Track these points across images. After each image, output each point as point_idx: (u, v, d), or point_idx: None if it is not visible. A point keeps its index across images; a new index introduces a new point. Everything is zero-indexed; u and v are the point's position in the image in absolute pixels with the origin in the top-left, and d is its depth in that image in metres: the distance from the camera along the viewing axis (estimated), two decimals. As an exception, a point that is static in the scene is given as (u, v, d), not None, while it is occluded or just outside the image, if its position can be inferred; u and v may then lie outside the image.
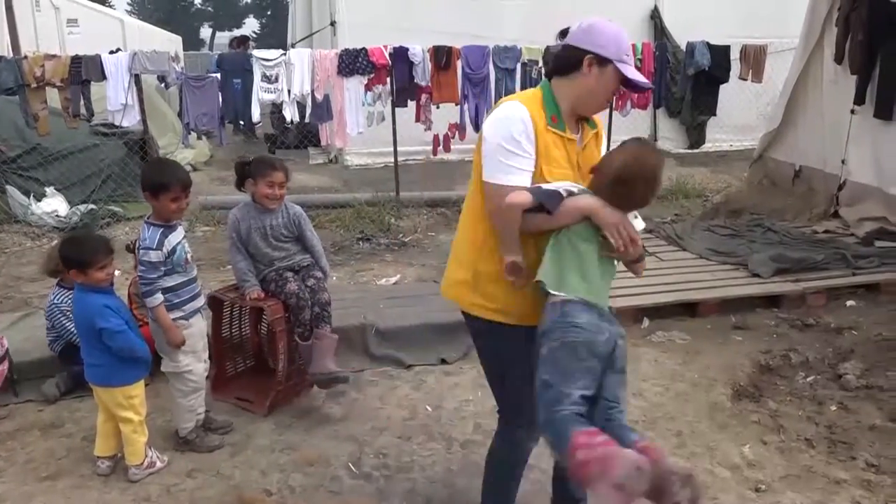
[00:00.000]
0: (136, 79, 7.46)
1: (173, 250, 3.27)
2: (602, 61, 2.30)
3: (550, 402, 2.12)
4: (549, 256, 2.27)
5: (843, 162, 7.08)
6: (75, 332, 3.52)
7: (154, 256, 3.21)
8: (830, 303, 5.27)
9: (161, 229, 3.25)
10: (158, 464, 3.33)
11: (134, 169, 8.21)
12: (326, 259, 4.04)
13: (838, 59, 7.05)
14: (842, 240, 6.36)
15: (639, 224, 2.29)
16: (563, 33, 2.44)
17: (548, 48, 8.26)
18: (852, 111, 6.91)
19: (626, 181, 2.20)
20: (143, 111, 7.64)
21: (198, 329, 3.44)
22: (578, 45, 2.33)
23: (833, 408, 3.84)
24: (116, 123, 7.85)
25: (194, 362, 3.42)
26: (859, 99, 6.82)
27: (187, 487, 3.21)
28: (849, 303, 5.28)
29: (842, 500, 3.06)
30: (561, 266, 2.25)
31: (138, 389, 3.25)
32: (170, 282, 3.29)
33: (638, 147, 2.27)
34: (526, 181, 2.26)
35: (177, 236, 3.31)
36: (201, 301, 3.49)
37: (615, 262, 2.31)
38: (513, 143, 2.26)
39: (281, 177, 3.72)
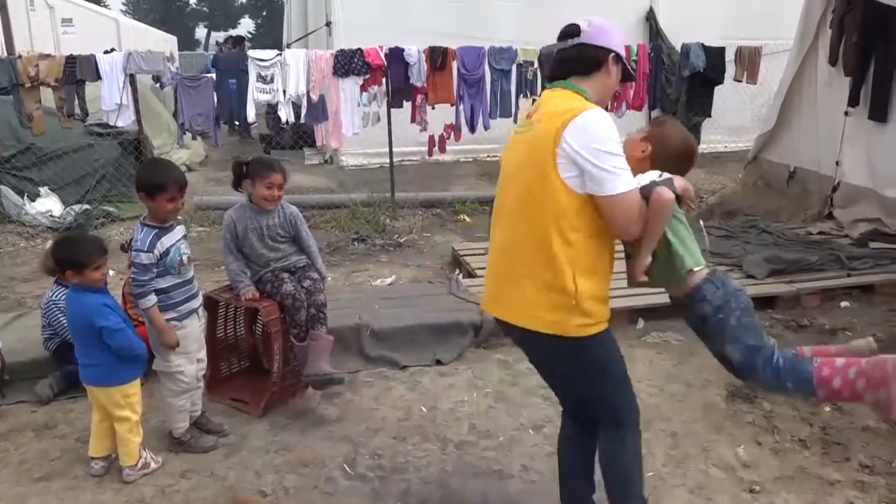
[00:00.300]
0: (131, 79, 7.44)
1: (166, 252, 3.25)
2: (618, 59, 2.43)
3: (768, 358, 2.44)
4: (675, 240, 2.45)
5: (837, 163, 7.10)
6: None
7: (145, 259, 3.20)
8: (825, 304, 5.28)
9: (154, 231, 3.24)
10: (153, 465, 3.32)
11: (129, 169, 8.18)
12: (322, 259, 4.04)
13: (832, 61, 7.07)
14: (836, 241, 6.38)
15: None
16: (568, 34, 2.47)
17: (543, 49, 8.28)
18: (846, 113, 6.93)
19: (689, 155, 2.60)
20: (137, 111, 7.61)
21: (192, 331, 3.43)
22: (600, 44, 2.41)
23: (827, 409, 3.85)
24: (111, 123, 7.83)
25: (186, 363, 3.41)
26: (853, 101, 6.84)
27: (182, 488, 3.21)
28: (843, 304, 5.30)
29: (835, 501, 3.07)
30: (687, 244, 2.48)
31: (136, 388, 3.24)
32: (163, 283, 3.28)
33: (674, 126, 2.66)
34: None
35: (171, 238, 3.29)
36: (198, 302, 3.48)
37: None
38: (618, 147, 2.30)
39: (279, 178, 3.72)
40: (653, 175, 2.42)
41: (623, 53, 2.45)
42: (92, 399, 3.27)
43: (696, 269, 2.45)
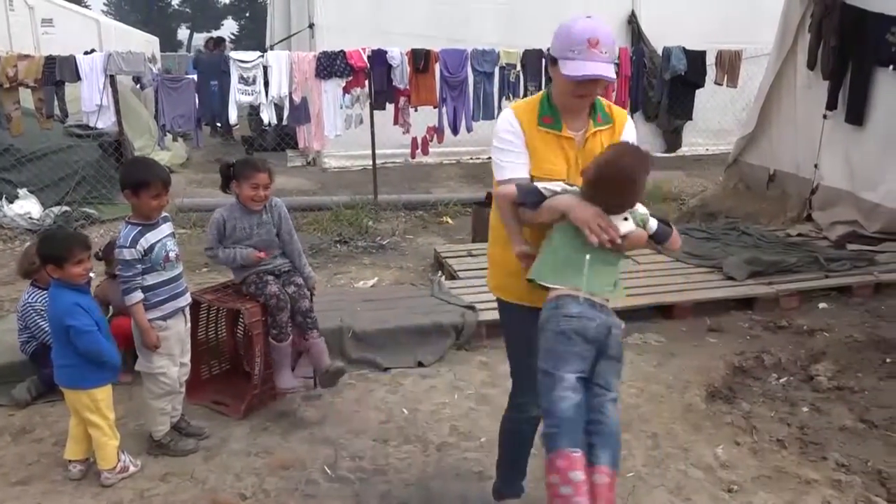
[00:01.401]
0: (112, 80, 7.39)
1: (150, 248, 3.24)
2: (553, 60, 2.43)
3: (549, 388, 2.30)
4: (541, 252, 2.44)
5: (815, 166, 7.17)
6: (49, 331, 3.48)
7: (127, 254, 3.19)
8: (803, 305, 5.34)
9: (138, 228, 3.23)
10: (132, 468, 3.30)
11: (109, 171, 8.13)
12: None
13: (811, 65, 7.15)
14: (815, 243, 6.44)
15: (625, 225, 2.35)
16: None
17: (525, 52, 8.32)
18: (824, 116, 7.00)
19: (599, 184, 2.30)
20: (118, 112, 7.57)
21: (175, 332, 3.41)
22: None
23: (805, 409, 3.89)
24: (91, 125, 7.78)
25: (169, 365, 3.39)
26: (831, 104, 6.91)
27: (161, 492, 3.19)
28: (821, 305, 5.35)
29: (812, 500, 3.10)
30: (553, 261, 2.40)
31: (105, 393, 3.21)
32: (149, 280, 3.26)
33: (616, 151, 2.36)
34: (518, 174, 2.47)
35: (157, 234, 3.28)
36: (185, 301, 3.46)
37: (617, 253, 2.41)
38: (500, 141, 2.52)
39: (265, 178, 3.71)
40: (556, 186, 2.39)
41: (557, 53, 2.38)
42: (67, 402, 3.25)
43: (543, 283, 2.38)
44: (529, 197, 2.39)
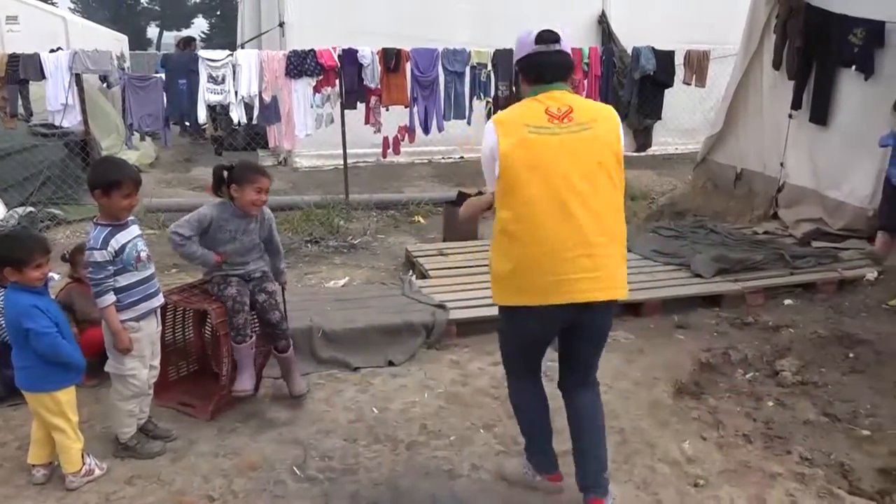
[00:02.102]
0: (77, 78, 7.29)
1: (122, 249, 3.20)
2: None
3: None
4: None
5: (781, 165, 7.29)
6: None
7: (98, 256, 3.15)
8: (769, 302, 5.42)
9: (108, 228, 3.19)
10: (97, 471, 3.25)
11: (75, 171, 8.01)
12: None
13: (776, 65, 7.26)
14: (780, 240, 6.54)
15: None
16: (551, 40, 2.78)
17: (496, 52, 8.33)
18: (790, 116, 7.12)
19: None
20: (84, 111, 7.47)
21: (147, 334, 3.37)
22: (569, 51, 2.83)
23: (770, 403, 3.95)
24: (56, 124, 7.66)
25: (139, 367, 3.35)
26: (796, 104, 7.03)
27: (127, 495, 3.15)
28: (786, 301, 5.44)
29: (777, 494, 3.15)
30: None
31: (68, 395, 3.16)
32: (122, 281, 3.22)
33: None
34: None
35: (127, 235, 3.25)
36: (157, 301, 3.42)
37: None
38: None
39: (267, 182, 3.67)
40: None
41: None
42: (29, 405, 3.20)
43: None
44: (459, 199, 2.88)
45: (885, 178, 5.96)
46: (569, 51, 2.81)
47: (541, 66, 2.78)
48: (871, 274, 5.65)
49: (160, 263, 6.18)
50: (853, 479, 3.26)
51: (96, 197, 3.22)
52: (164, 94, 7.71)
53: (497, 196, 2.77)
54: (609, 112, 2.80)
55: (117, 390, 3.36)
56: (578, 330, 2.85)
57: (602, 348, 2.99)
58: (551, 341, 2.99)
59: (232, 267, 3.77)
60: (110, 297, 3.19)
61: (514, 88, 8.14)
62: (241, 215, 3.70)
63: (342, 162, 8.57)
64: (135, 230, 3.32)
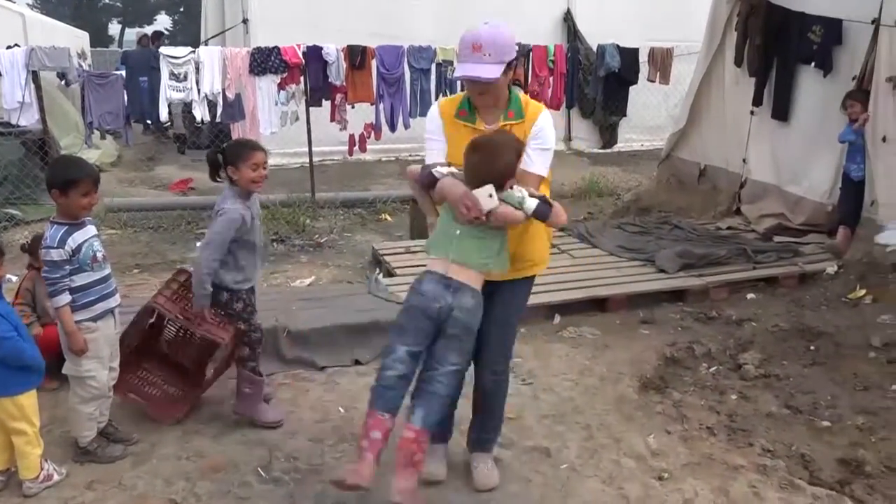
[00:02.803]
0: (34, 76, 7.13)
1: (78, 248, 3.14)
2: None
3: (385, 355, 2.83)
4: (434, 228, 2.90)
5: (744, 161, 7.39)
6: None
7: (55, 255, 3.08)
8: (732, 296, 5.49)
9: (65, 227, 3.13)
10: (56, 476, 3.18)
11: (33, 170, 7.81)
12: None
13: (738, 62, 7.35)
14: (743, 236, 6.64)
15: (488, 202, 2.65)
16: None
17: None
18: (751, 112, 7.21)
19: (467, 163, 2.72)
20: (42, 109, 7.30)
21: (104, 334, 3.30)
22: None
23: (733, 397, 4.00)
24: (13, 122, 7.47)
25: (98, 368, 3.29)
26: (757, 100, 7.13)
27: (86, 500, 3.09)
28: (749, 296, 5.51)
29: (739, 486, 3.19)
30: (435, 235, 2.86)
31: (31, 399, 3.09)
32: (78, 281, 3.16)
33: (485, 135, 2.78)
34: (434, 159, 2.88)
35: (84, 234, 3.18)
36: (115, 301, 3.35)
37: (489, 228, 2.73)
38: (426, 131, 2.96)
39: (263, 157, 3.47)
40: (447, 169, 2.81)
41: (458, 59, 2.84)
42: (-12, 410, 3.12)
43: (426, 250, 2.99)
44: (424, 178, 2.84)
45: (843, 174, 6.08)
46: None
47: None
48: (831, 268, 5.75)
49: (122, 264, 6.11)
50: (814, 469, 3.31)
51: (54, 196, 3.15)
52: (125, 91, 7.58)
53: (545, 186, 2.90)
54: None
55: (76, 393, 3.29)
56: None
57: None
58: None
59: (246, 277, 3.58)
60: (65, 298, 3.13)
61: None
62: (247, 197, 3.52)
63: (308, 160, 8.50)
64: (91, 230, 3.25)
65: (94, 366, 3.27)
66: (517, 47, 2.89)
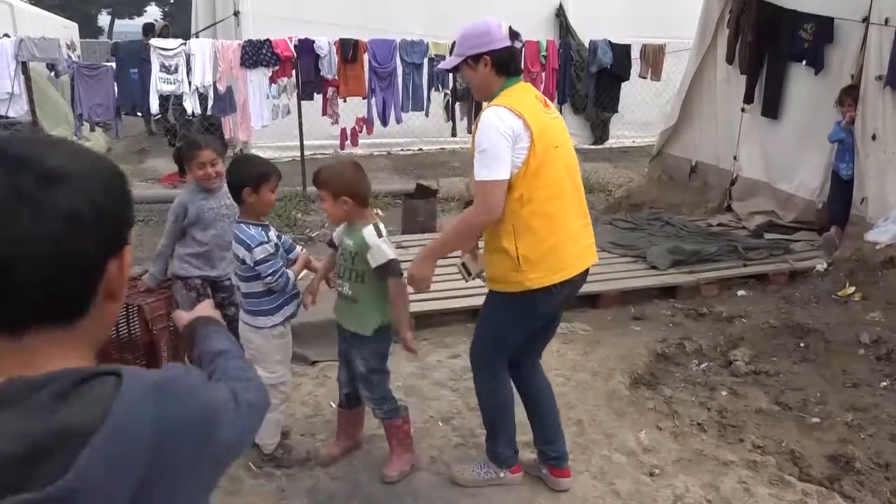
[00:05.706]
0: (24, 66, 7.07)
1: (276, 248, 3.15)
2: None
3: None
4: None
5: (735, 158, 7.41)
6: None
7: (260, 252, 3.07)
8: (723, 293, 5.52)
9: (259, 227, 3.12)
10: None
11: (22, 162, 7.77)
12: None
13: (729, 60, 7.37)
14: (734, 232, 6.66)
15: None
16: (516, 36, 2.85)
17: (455, 43, 8.31)
18: (742, 109, 7.24)
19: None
20: (31, 101, 7.25)
21: (288, 340, 3.31)
22: None
23: (724, 393, 4.02)
24: (2, 113, 7.42)
25: (287, 373, 3.32)
26: (748, 98, 7.15)
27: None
28: (740, 292, 5.54)
29: (729, 481, 3.21)
30: None
31: None
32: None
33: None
34: None
35: (273, 236, 3.19)
36: (295, 305, 3.34)
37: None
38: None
39: (208, 154, 3.47)
40: None
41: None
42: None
43: None
44: None
45: (832, 172, 6.11)
46: None
47: (516, 59, 2.95)
48: (821, 265, 5.78)
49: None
50: (803, 465, 3.33)
51: (245, 195, 3.11)
52: (116, 83, 7.53)
53: (523, 179, 2.71)
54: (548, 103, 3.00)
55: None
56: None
57: None
58: None
59: (221, 261, 3.59)
60: (289, 274, 3.16)
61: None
62: (210, 191, 3.54)
63: (299, 153, 8.47)
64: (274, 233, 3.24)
65: (284, 370, 3.27)
66: (491, 43, 2.78)
